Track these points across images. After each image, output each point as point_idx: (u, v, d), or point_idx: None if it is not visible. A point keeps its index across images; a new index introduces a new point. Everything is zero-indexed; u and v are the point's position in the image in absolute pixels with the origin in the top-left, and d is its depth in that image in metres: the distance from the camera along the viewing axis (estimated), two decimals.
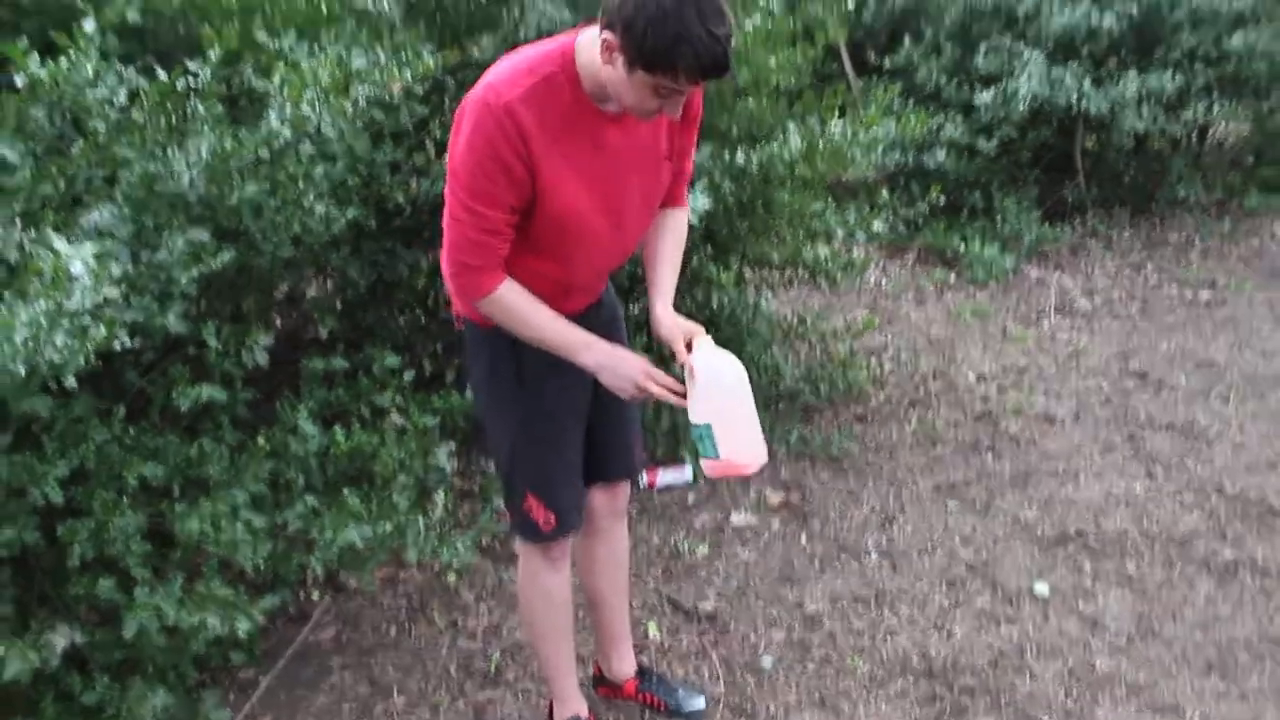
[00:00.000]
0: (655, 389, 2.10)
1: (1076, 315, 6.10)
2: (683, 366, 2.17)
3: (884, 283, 6.88)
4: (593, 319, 2.29)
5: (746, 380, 2.18)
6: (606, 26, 1.82)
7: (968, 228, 7.34)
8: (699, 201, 3.54)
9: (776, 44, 4.59)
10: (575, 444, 2.40)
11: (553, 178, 1.96)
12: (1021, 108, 6.88)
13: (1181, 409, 4.67)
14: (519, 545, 2.48)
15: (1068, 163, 7.81)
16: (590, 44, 1.92)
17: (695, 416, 2.13)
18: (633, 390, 2.10)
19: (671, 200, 2.34)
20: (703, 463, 2.22)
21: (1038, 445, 4.34)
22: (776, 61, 4.54)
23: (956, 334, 5.90)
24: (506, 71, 1.94)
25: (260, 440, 2.94)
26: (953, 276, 6.90)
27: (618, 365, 2.11)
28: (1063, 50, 7.25)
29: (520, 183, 1.94)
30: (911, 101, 7.71)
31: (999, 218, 7.31)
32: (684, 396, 2.12)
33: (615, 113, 2.01)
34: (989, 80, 7.37)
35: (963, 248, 7.06)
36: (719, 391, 2.13)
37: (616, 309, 2.56)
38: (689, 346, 2.16)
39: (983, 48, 7.51)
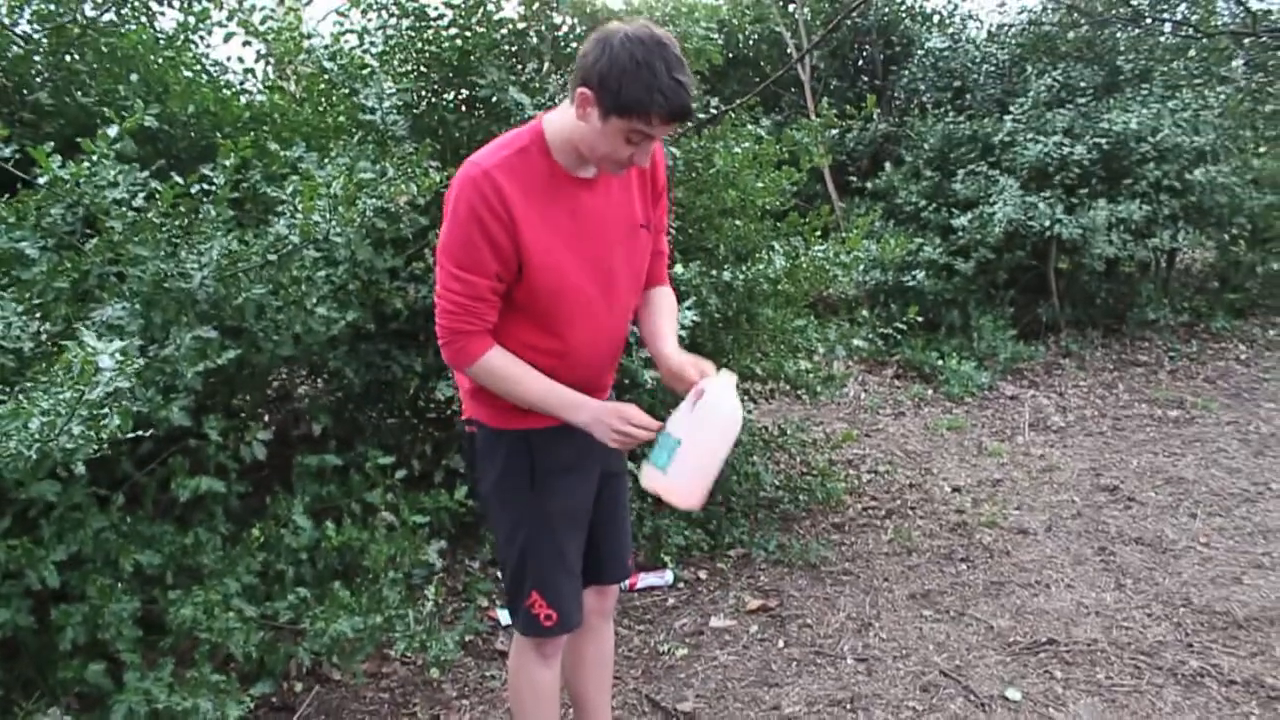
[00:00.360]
0: (636, 430, 2.15)
1: (1050, 431, 6.24)
2: (688, 392, 2.21)
3: (863, 396, 7.01)
4: None
5: (737, 430, 2.23)
6: (582, 83, 1.98)
7: (945, 344, 7.54)
8: (686, 316, 3.67)
9: (764, 167, 4.81)
10: (579, 546, 2.47)
11: (535, 239, 2.08)
12: (997, 231, 7.13)
13: (1151, 523, 4.76)
14: (516, 639, 2.53)
15: (1042, 283, 8.06)
16: (557, 118, 2.10)
17: (673, 426, 2.17)
18: (621, 436, 2.15)
19: (655, 279, 2.47)
20: (645, 469, 2.21)
21: (1011, 556, 4.41)
22: (763, 184, 4.75)
23: (933, 447, 6.01)
24: (485, 149, 2.12)
25: (254, 532, 3.00)
26: (930, 391, 7.05)
27: (606, 417, 2.17)
28: (1036, 178, 7.54)
29: (503, 249, 2.06)
30: (892, 223, 8.00)
31: (976, 335, 7.51)
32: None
33: (588, 178, 2.16)
34: (966, 205, 7.65)
35: (940, 364, 7.22)
36: (710, 419, 2.16)
37: None
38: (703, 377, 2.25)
39: (960, 174, 7.81)
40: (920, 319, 7.66)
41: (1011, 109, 8.02)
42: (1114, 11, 8.81)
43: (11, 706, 2.58)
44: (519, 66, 4.22)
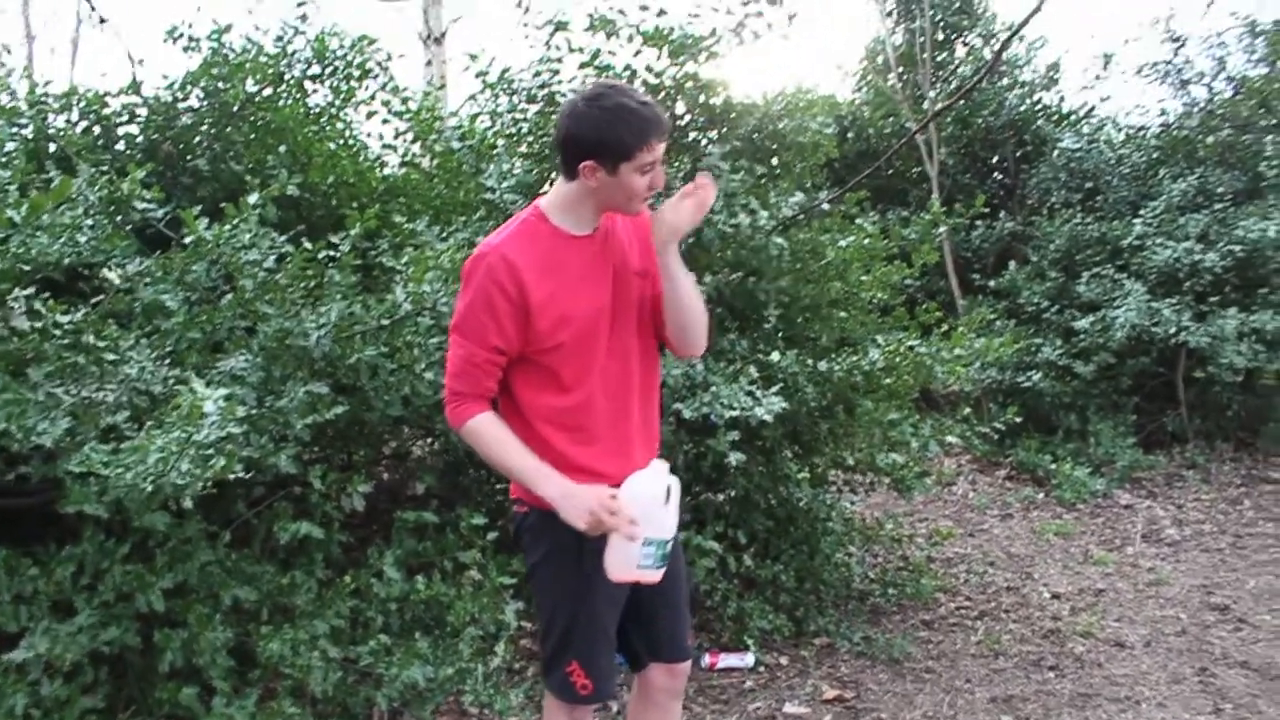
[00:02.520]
0: (609, 519, 2.20)
1: (1163, 544, 6.03)
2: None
3: (972, 495, 6.91)
4: None
5: (654, 508, 2.29)
6: (581, 158, 2.19)
7: (1061, 448, 7.37)
8: (774, 403, 3.74)
9: (873, 261, 4.88)
10: (615, 622, 2.57)
11: (545, 294, 2.25)
12: (1119, 335, 6.99)
13: (1261, 648, 4.55)
14: (548, 699, 2.61)
15: (1170, 391, 7.81)
16: (551, 193, 2.35)
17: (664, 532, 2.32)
18: (589, 520, 2.21)
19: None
20: (651, 574, 2.34)
21: (1103, 669, 4.28)
22: (871, 278, 4.81)
23: (1037, 551, 5.88)
24: (494, 234, 2.34)
25: (347, 579, 3.18)
26: (1041, 495, 6.90)
27: (575, 497, 2.21)
28: (1165, 284, 7.38)
29: (505, 324, 2.23)
30: (1013, 322, 7.90)
31: (1093, 440, 7.32)
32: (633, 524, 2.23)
33: (587, 235, 2.33)
34: (1090, 307, 7.52)
35: (1054, 468, 7.07)
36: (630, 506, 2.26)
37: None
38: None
39: (1085, 276, 7.69)
40: (1036, 422, 7.57)
41: (1143, 212, 7.88)
42: (1258, 116, 8.61)
43: (116, 718, 2.79)
44: None
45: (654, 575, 2.35)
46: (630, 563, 2.30)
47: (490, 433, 2.31)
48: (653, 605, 2.56)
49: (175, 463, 2.33)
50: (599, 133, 2.16)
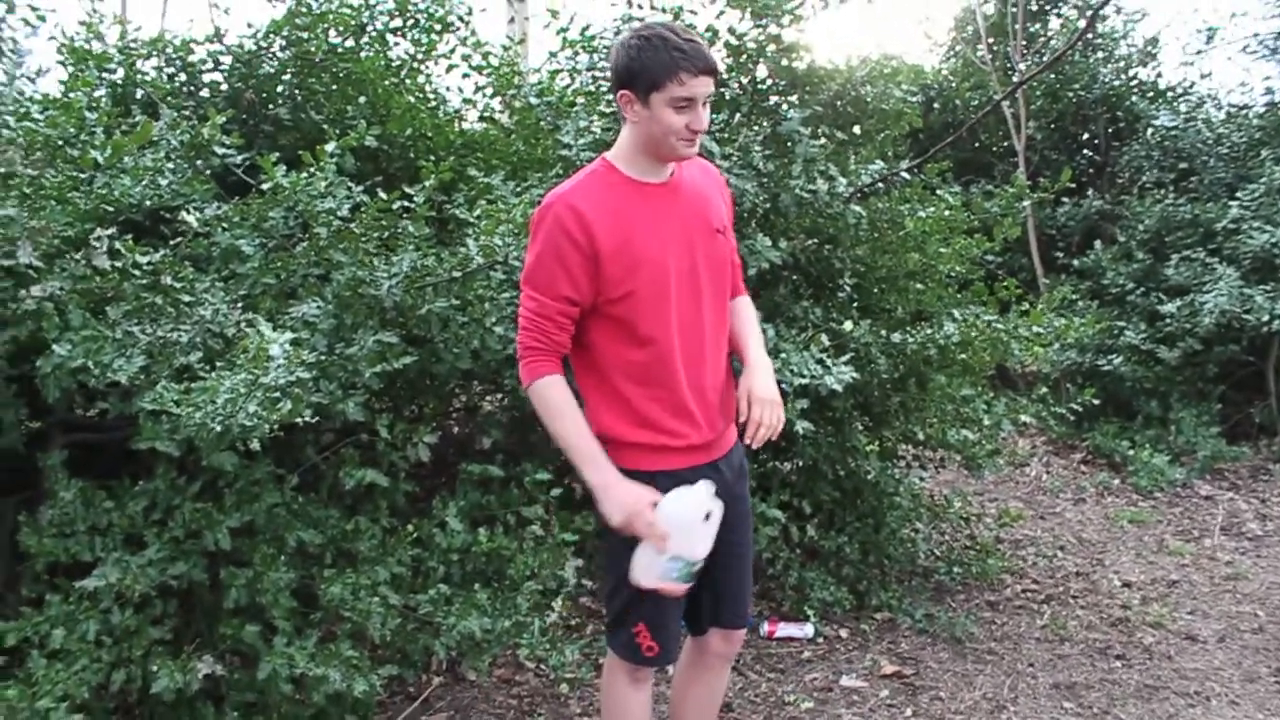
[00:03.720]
0: (641, 526, 2.21)
1: (1244, 538, 5.84)
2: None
3: (1045, 478, 6.77)
4: (723, 471, 2.46)
5: (689, 528, 2.27)
6: (617, 88, 2.22)
7: (1140, 434, 7.18)
8: (845, 373, 3.67)
9: (953, 233, 4.77)
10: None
11: (615, 241, 2.22)
12: (1207, 321, 6.76)
13: None
14: (610, 657, 2.61)
15: (1259, 381, 7.55)
16: (616, 145, 2.33)
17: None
18: (620, 521, 2.22)
19: (735, 291, 2.58)
20: (675, 587, 2.33)
21: (1173, 661, 4.17)
22: (949, 250, 4.71)
23: (1109, 539, 5.74)
24: (561, 185, 2.32)
25: (410, 527, 3.20)
26: (1117, 481, 6.73)
27: (615, 491, 2.23)
28: (1260, 269, 7.11)
29: (576, 273, 2.21)
30: (1096, 304, 7.69)
31: (1174, 429, 7.11)
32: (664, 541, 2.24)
33: (661, 182, 2.32)
34: (1178, 291, 7.29)
35: (1131, 454, 6.88)
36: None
37: (744, 467, 2.67)
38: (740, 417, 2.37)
39: (1175, 259, 7.45)
40: (1115, 407, 7.37)
41: (1240, 195, 7.59)
42: None
43: (180, 652, 2.85)
44: (714, 115, 4.35)
45: (678, 589, 2.33)
46: (653, 572, 2.29)
47: (554, 399, 2.29)
48: (725, 569, 2.54)
49: (243, 404, 2.35)
50: (630, 60, 2.18)
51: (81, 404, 3.04)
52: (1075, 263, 8.25)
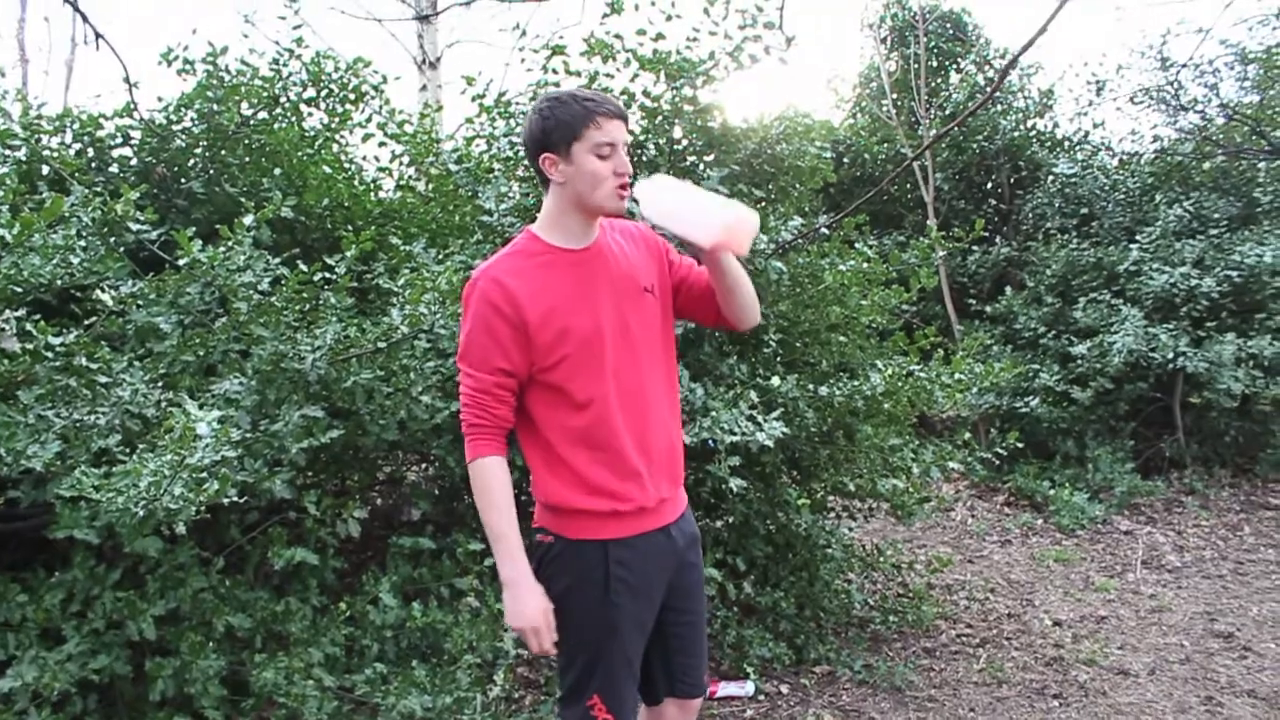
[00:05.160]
0: (534, 643, 2.23)
1: (1164, 570, 5.99)
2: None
3: (970, 521, 6.87)
4: (675, 537, 2.45)
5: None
6: (537, 154, 2.23)
7: (1059, 474, 7.34)
8: (775, 428, 3.71)
9: (871, 286, 4.86)
10: (640, 653, 2.52)
11: (542, 310, 2.23)
12: (1116, 361, 6.98)
13: (1268, 676, 4.50)
14: None
15: (1167, 417, 7.80)
16: (540, 215, 2.33)
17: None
18: (516, 627, 2.24)
19: (700, 277, 2.54)
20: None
21: (1108, 697, 4.24)
22: (869, 302, 4.79)
23: (1037, 578, 5.84)
24: (487, 260, 2.32)
25: (342, 605, 3.13)
26: (1040, 521, 6.86)
27: (523, 597, 2.23)
28: (1162, 309, 7.38)
29: (507, 344, 2.22)
30: (1010, 348, 7.89)
31: (1091, 466, 7.29)
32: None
33: (584, 248, 2.32)
34: (1087, 333, 7.52)
35: (1053, 493, 7.04)
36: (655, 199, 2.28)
37: (697, 535, 2.66)
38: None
39: (1082, 302, 7.69)
40: (1033, 447, 7.54)
41: (1139, 237, 7.89)
42: (1251, 142, 8.65)
43: None
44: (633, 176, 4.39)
45: None
46: None
47: (487, 482, 2.27)
48: (679, 638, 2.52)
49: (168, 486, 2.29)
50: (545, 120, 2.21)
51: None
52: (987, 309, 8.48)
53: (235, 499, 2.55)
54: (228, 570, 3.05)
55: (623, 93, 4.25)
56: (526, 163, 4.38)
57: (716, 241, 2.25)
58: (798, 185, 4.60)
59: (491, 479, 2.26)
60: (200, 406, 2.44)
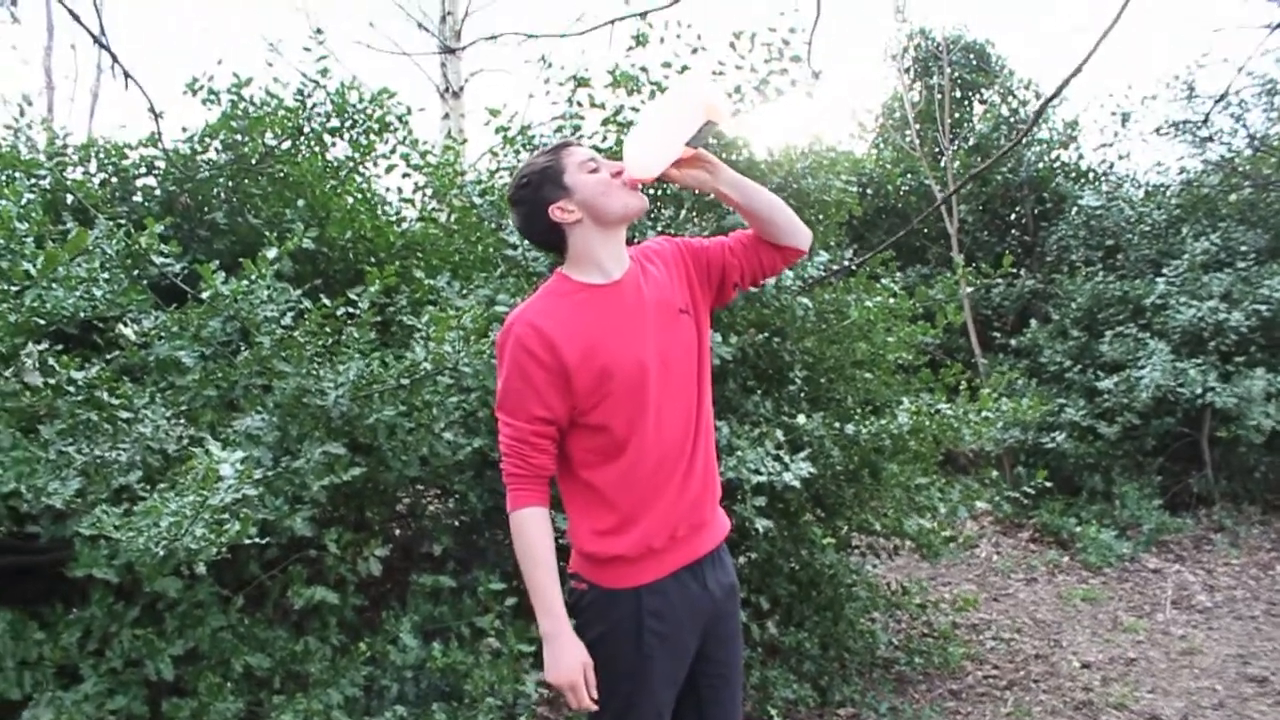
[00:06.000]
0: (572, 699, 2.20)
1: (1194, 611, 5.89)
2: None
3: (995, 559, 6.79)
4: (710, 591, 2.38)
5: (694, 100, 2.24)
6: (545, 213, 2.23)
7: (1085, 510, 7.26)
8: (801, 468, 3.66)
9: (897, 321, 4.81)
10: (671, 705, 2.47)
11: (581, 351, 2.19)
12: (1144, 396, 6.90)
13: None
14: None
15: (1195, 452, 7.70)
16: (566, 260, 2.31)
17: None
18: (555, 683, 2.20)
19: (735, 234, 2.52)
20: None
21: None
22: (895, 339, 4.75)
23: (1065, 618, 5.75)
24: (519, 306, 2.29)
25: (362, 645, 3.08)
26: (1066, 559, 6.78)
27: (562, 651, 2.19)
28: (1189, 343, 7.30)
29: (544, 390, 2.18)
30: (1035, 382, 7.82)
31: (1118, 503, 7.21)
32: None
33: (615, 281, 2.28)
34: (1113, 367, 7.44)
35: (1079, 530, 6.95)
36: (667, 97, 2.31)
37: (735, 586, 2.61)
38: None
39: (1109, 335, 7.63)
40: (1059, 483, 7.45)
41: (1165, 270, 7.82)
42: (1279, 174, 8.58)
43: None
44: (658, 211, 4.38)
45: None
46: None
47: (528, 535, 2.22)
48: (712, 689, 2.47)
49: (189, 527, 2.26)
50: (528, 184, 2.24)
51: (7, 524, 2.89)
52: (1012, 342, 8.41)
53: (256, 539, 2.51)
54: (247, 608, 3.01)
55: None
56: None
57: (706, 119, 2.23)
58: (823, 219, 4.57)
59: (533, 531, 2.22)
60: (223, 445, 2.41)
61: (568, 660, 2.19)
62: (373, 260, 4.08)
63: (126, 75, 3.06)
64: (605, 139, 4.34)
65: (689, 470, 2.34)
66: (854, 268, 4.79)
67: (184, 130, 4.32)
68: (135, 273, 3.45)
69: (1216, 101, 8.30)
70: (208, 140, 4.29)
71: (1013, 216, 9.80)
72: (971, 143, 9.46)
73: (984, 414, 4.48)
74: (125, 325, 3.13)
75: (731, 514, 3.87)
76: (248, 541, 2.49)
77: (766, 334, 4.28)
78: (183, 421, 2.95)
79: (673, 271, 2.43)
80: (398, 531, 4.47)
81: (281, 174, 4.34)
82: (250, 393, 3.15)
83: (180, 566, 2.49)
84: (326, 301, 3.18)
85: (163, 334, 3.21)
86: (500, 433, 2.24)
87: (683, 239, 2.49)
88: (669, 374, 2.30)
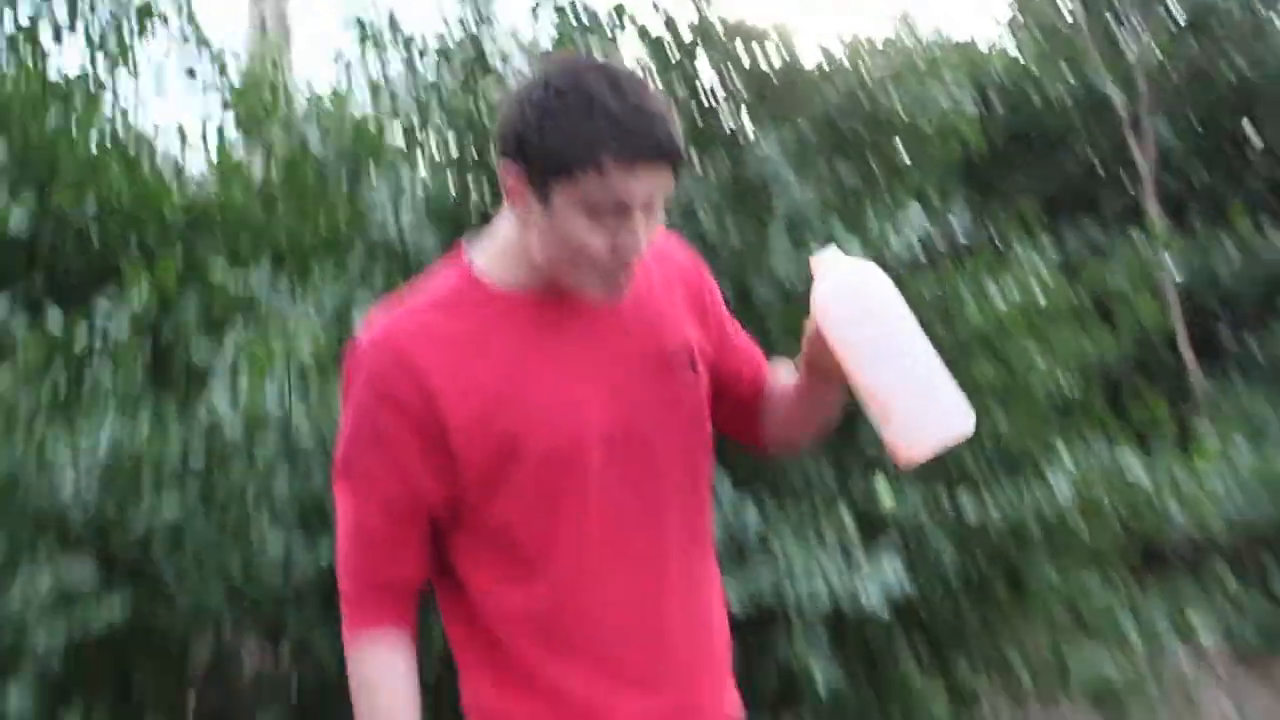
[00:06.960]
0: None
1: None
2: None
3: (1233, 716, 6.78)
4: None
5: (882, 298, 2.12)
6: (502, 155, 2.00)
7: None
8: (889, 576, 3.64)
9: (1050, 325, 4.77)
10: None
11: (478, 406, 2.04)
12: None
13: None
14: None
15: None
16: (486, 238, 2.16)
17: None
18: None
19: (764, 380, 2.39)
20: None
21: None
22: (1050, 354, 4.71)
23: None
24: (386, 305, 2.15)
25: None
26: None
27: None
28: None
29: (406, 456, 2.04)
30: None
31: None
32: None
33: (554, 293, 2.11)
34: None
35: None
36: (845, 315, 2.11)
37: None
38: None
39: None
40: None
41: None
42: None
43: None
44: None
45: None
46: None
47: (366, 677, 2.14)
48: None
49: None
50: (525, 121, 1.97)
51: None
52: (1254, 348, 8.41)
53: None
54: None
55: (612, 13, 4.24)
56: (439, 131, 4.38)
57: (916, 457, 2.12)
58: (918, 158, 4.57)
59: (375, 672, 2.12)
60: None
61: None
62: (136, 247, 4.05)
63: None
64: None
65: (667, 617, 2.29)
66: (971, 240, 4.78)
67: None
68: None
69: None
70: None
71: (1250, 140, 9.81)
72: (1180, 18, 9.47)
73: (1205, 473, 4.48)
74: None
75: (769, 658, 3.87)
76: None
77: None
78: None
79: (678, 301, 2.33)
80: (193, 705, 4.44)
81: None
82: None
83: None
84: (53, 320, 3.15)
85: None
86: (338, 512, 2.15)
87: (707, 274, 2.41)
88: (635, 457, 2.21)
